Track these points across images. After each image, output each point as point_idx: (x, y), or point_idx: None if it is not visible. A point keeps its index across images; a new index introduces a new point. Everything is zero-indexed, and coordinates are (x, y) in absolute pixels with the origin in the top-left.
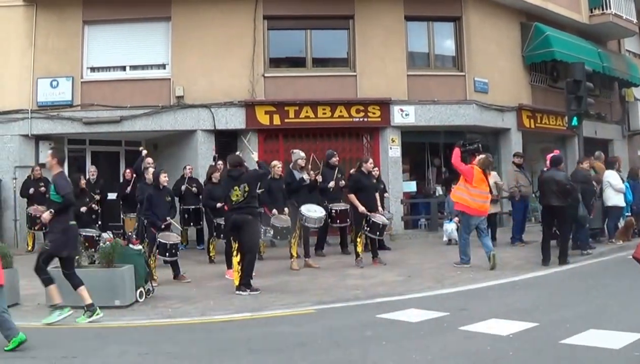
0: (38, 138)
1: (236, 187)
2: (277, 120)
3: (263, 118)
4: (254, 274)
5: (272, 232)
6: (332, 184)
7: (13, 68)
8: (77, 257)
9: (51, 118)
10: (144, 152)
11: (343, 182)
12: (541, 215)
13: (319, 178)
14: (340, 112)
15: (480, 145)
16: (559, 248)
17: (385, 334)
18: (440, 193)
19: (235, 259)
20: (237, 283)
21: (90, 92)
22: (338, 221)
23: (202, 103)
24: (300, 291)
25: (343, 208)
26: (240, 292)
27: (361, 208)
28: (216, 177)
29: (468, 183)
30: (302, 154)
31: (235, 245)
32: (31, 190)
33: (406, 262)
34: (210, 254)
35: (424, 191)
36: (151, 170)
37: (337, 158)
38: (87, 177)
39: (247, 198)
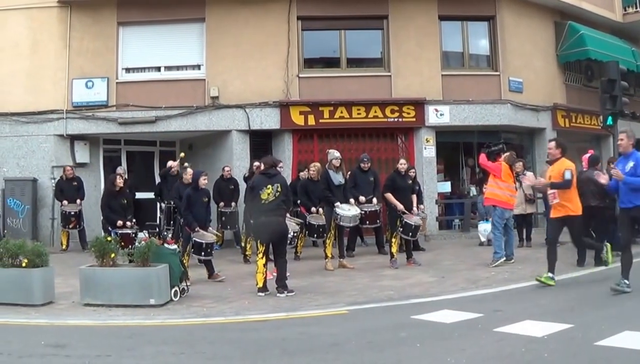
0: (73, 138)
1: (269, 185)
2: (311, 121)
3: (298, 119)
4: (288, 274)
5: (292, 234)
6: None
7: (48, 70)
8: (113, 256)
9: (86, 118)
10: (181, 156)
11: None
12: None
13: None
14: (375, 112)
15: (504, 146)
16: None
17: (419, 335)
18: (474, 193)
19: (260, 261)
20: (260, 284)
21: (125, 92)
22: (368, 222)
23: (237, 103)
24: (334, 292)
25: (373, 209)
26: (278, 294)
27: (400, 206)
28: None
29: (497, 178)
30: (337, 154)
31: (261, 248)
32: (64, 190)
33: (440, 263)
34: (246, 253)
35: (458, 191)
36: (190, 170)
37: (368, 164)
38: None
39: (277, 198)
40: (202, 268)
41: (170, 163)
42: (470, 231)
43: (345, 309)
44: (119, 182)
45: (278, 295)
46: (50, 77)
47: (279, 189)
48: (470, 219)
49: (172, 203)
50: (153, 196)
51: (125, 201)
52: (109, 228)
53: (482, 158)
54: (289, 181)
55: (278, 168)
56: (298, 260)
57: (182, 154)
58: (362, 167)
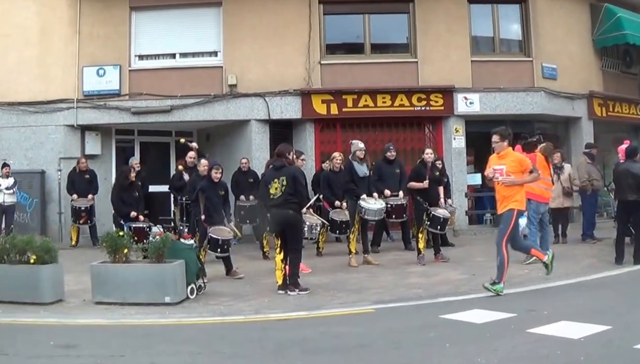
0: (84, 129)
1: (276, 179)
2: (334, 109)
3: (320, 108)
4: (309, 270)
5: (318, 229)
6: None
7: (57, 57)
8: (125, 251)
9: (98, 107)
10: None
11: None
12: (616, 210)
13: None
14: (401, 100)
15: (541, 136)
16: (633, 245)
17: (449, 336)
18: None
19: (279, 257)
20: (280, 282)
21: (138, 80)
22: (394, 216)
23: (256, 92)
24: (358, 290)
25: (399, 202)
26: (289, 292)
27: (422, 185)
28: None
29: None
30: (362, 145)
31: (278, 242)
32: (75, 183)
33: (471, 259)
34: (265, 249)
35: (489, 184)
36: (204, 162)
37: (394, 152)
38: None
39: (284, 193)
40: (219, 264)
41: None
42: None
43: (370, 308)
44: (132, 174)
45: (289, 293)
46: (60, 65)
47: (285, 182)
48: None
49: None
50: (167, 190)
51: (138, 194)
52: (121, 221)
53: (517, 149)
54: (312, 172)
55: (301, 160)
56: (320, 256)
57: (182, 140)
58: (387, 157)
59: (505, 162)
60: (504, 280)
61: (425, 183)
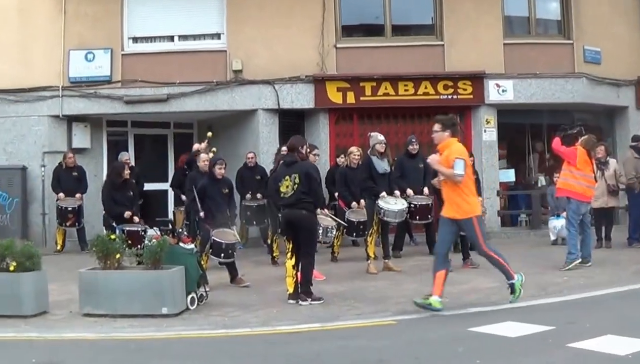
0: (71, 120)
1: (287, 177)
2: (351, 98)
3: (335, 96)
4: (323, 278)
5: (333, 232)
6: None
7: (40, 39)
8: (118, 257)
9: (86, 96)
10: (209, 135)
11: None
12: None
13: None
14: (425, 88)
15: (582, 128)
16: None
17: (479, 351)
18: (544, 183)
19: (289, 262)
20: (290, 290)
21: (132, 66)
22: (417, 217)
23: (264, 78)
24: (378, 299)
25: (424, 202)
26: (300, 302)
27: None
28: None
29: (572, 166)
30: (381, 138)
31: (289, 246)
32: (62, 180)
33: None
34: (274, 254)
35: (524, 181)
36: (204, 156)
37: (416, 145)
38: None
39: (296, 192)
40: (223, 271)
41: (196, 146)
42: (541, 229)
43: (391, 319)
44: (126, 172)
45: (300, 303)
46: (43, 48)
47: (297, 180)
48: (541, 214)
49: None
50: (165, 188)
51: (132, 193)
52: (113, 223)
53: (556, 142)
54: (326, 168)
55: (313, 155)
56: (335, 262)
57: (210, 134)
58: (410, 151)
59: (443, 156)
60: (514, 274)
61: (450, 171)
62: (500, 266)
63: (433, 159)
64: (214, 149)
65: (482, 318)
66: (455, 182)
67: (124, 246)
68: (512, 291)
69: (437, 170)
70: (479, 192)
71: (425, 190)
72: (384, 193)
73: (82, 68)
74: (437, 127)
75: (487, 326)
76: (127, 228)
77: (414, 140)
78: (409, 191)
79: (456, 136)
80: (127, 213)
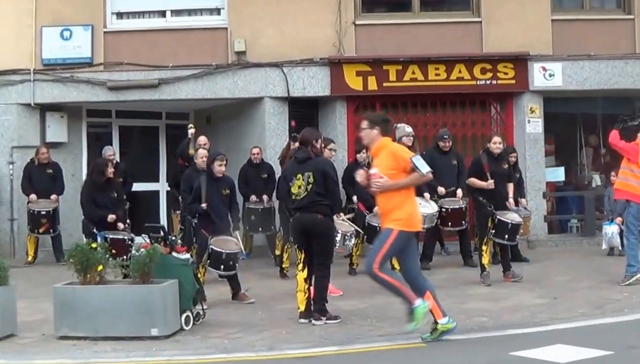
0: (44, 109)
1: (299, 175)
2: (372, 84)
3: (354, 82)
4: (340, 293)
5: (352, 240)
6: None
7: (7, 15)
8: (100, 269)
9: (63, 81)
10: (191, 132)
11: None
12: None
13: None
14: (460, 72)
15: None
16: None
17: None
18: (599, 183)
19: (301, 275)
20: (302, 307)
21: (117, 46)
22: (450, 223)
23: (271, 61)
24: (405, 318)
25: (457, 205)
26: (313, 321)
27: (486, 184)
28: None
29: (632, 163)
30: (409, 130)
31: (301, 256)
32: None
33: (551, 279)
34: (283, 265)
35: (575, 180)
36: (203, 152)
37: (448, 143)
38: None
39: (310, 193)
40: (223, 285)
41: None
42: (595, 236)
43: (421, 341)
44: (110, 170)
45: (313, 322)
46: (11, 25)
47: (311, 179)
48: (595, 219)
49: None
50: (156, 189)
51: (116, 194)
52: (94, 230)
53: (614, 135)
54: (343, 166)
55: (328, 150)
56: (354, 275)
57: (192, 130)
58: (441, 147)
59: (378, 161)
60: (414, 299)
61: (490, 182)
62: (393, 289)
63: (363, 175)
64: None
65: (527, 340)
66: (424, 181)
67: (107, 256)
68: (412, 318)
69: (388, 188)
70: (522, 194)
71: (459, 191)
72: None
73: (58, 48)
74: (364, 124)
75: (533, 350)
76: (111, 236)
77: (446, 136)
78: (441, 190)
79: (388, 134)
80: (111, 217)
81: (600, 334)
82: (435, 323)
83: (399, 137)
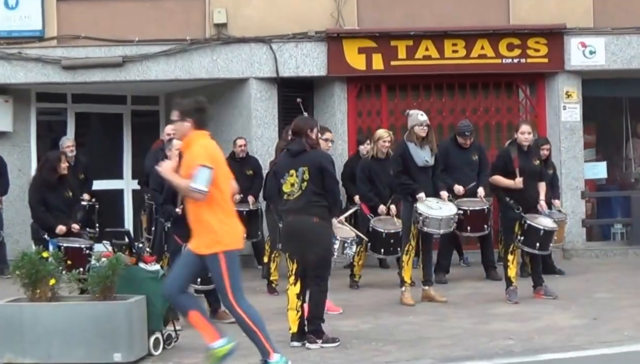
0: None
1: (292, 171)
2: (378, 63)
3: (356, 60)
4: (340, 311)
5: (353, 248)
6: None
7: None
8: (52, 283)
9: (7, 58)
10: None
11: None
12: None
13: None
14: (482, 48)
15: None
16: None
17: None
18: None
19: (293, 290)
20: (294, 328)
21: (73, 16)
22: (469, 227)
23: (257, 35)
24: (415, 341)
25: (479, 207)
26: (308, 344)
27: (517, 183)
28: None
29: None
30: (424, 118)
31: (293, 267)
32: None
33: (590, 295)
34: (272, 278)
35: (619, 178)
36: (178, 143)
37: (470, 140)
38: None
39: (305, 192)
40: (201, 302)
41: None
42: None
43: None
44: (64, 165)
45: (308, 345)
46: None
47: (307, 175)
48: None
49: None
50: (120, 187)
51: (72, 194)
52: (45, 236)
53: None
54: (342, 160)
55: (324, 140)
56: (356, 288)
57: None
58: (460, 143)
59: (185, 158)
60: (270, 350)
61: (519, 181)
62: (250, 332)
63: (165, 167)
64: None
65: None
66: (190, 195)
67: (61, 268)
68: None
69: (170, 179)
70: (557, 194)
71: (480, 190)
72: (422, 194)
73: (1, 19)
74: (174, 115)
75: None
76: (65, 244)
77: (468, 133)
78: (458, 189)
79: (204, 127)
80: (60, 228)
81: None
82: (211, 348)
83: (411, 126)
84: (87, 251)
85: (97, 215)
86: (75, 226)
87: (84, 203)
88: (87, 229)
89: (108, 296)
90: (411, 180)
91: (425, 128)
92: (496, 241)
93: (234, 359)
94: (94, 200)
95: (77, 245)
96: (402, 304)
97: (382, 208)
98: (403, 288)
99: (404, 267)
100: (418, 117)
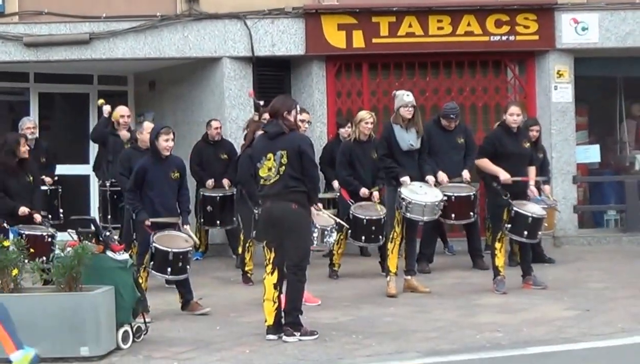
0: None
1: (270, 154)
2: (359, 41)
3: (335, 38)
4: (318, 302)
5: (333, 235)
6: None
7: None
8: (15, 273)
9: None
10: (107, 109)
11: None
12: None
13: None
14: (468, 25)
15: None
16: None
17: None
18: None
19: (269, 280)
20: (270, 320)
21: None
22: (454, 215)
23: (231, 11)
24: (398, 333)
25: (465, 193)
26: (285, 337)
27: (504, 176)
28: None
29: None
30: (410, 98)
31: (270, 256)
32: None
33: (582, 285)
34: (247, 268)
35: (613, 162)
36: (147, 125)
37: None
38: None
39: (283, 176)
40: (171, 293)
41: (105, 109)
42: (637, 231)
43: (418, 362)
44: (24, 149)
45: (285, 338)
46: None
47: (285, 159)
48: (639, 210)
49: (107, 184)
50: (87, 172)
51: (32, 178)
52: (5, 224)
53: None
54: (321, 143)
55: (301, 122)
56: (336, 279)
57: (101, 101)
58: (444, 126)
59: None
60: (15, 347)
61: (508, 178)
62: None
63: None
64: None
65: (553, 361)
66: None
67: (23, 257)
68: None
69: None
70: (546, 179)
71: (465, 174)
72: (406, 178)
73: None
74: None
75: None
76: (27, 232)
77: (453, 116)
78: (442, 178)
79: None
80: (23, 210)
81: None
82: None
83: (397, 107)
84: (50, 239)
85: (60, 201)
86: (37, 217)
87: (44, 187)
88: (49, 216)
89: (74, 287)
90: (396, 165)
91: (410, 109)
92: (483, 228)
93: (207, 353)
94: (56, 184)
95: (39, 233)
96: (387, 295)
97: (363, 190)
98: (388, 278)
99: (389, 255)
100: (404, 97)
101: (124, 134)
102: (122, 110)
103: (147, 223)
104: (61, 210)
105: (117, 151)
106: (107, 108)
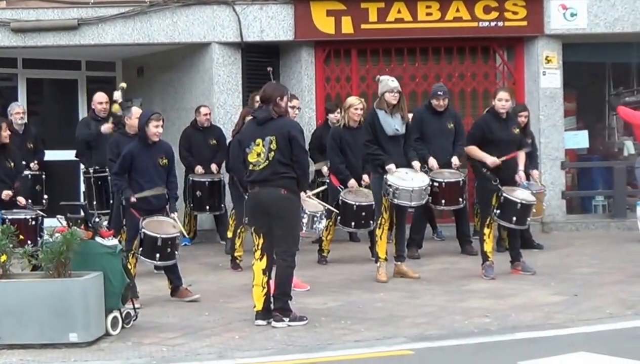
0: None
1: (259, 140)
2: (347, 26)
3: (323, 23)
4: (307, 288)
5: (323, 221)
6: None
7: None
8: (3, 260)
9: None
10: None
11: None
12: None
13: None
14: (457, 11)
15: None
16: None
17: None
18: (632, 151)
19: (258, 265)
20: (259, 306)
21: None
22: (444, 200)
23: None
24: (387, 319)
25: (454, 179)
26: (274, 322)
27: (491, 159)
28: None
29: None
30: (394, 84)
31: (258, 242)
32: None
33: (570, 271)
34: (236, 254)
35: (601, 148)
36: (136, 110)
37: (444, 101)
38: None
39: (272, 162)
40: (160, 279)
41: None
42: (627, 217)
43: (406, 347)
44: (5, 134)
45: (274, 324)
46: None
47: (274, 145)
48: (627, 196)
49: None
50: (73, 158)
51: (13, 164)
52: None
53: (624, 110)
54: (310, 129)
55: (291, 108)
56: (325, 264)
57: (123, 85)
58: (434, 106)
59: None
60: None
61: (495, 161)
62: None
63: None
64: (130, 104)
65: (540, 346)
66: None
67: (10, 243)
68: None
69: None
70: (535, 164)
71: (455, 160)
72: (392, 166)
73: None
74: None
75: (548, 359)
76: (11, 216)
77: (441, 93)
78: (432, 164)
79: None
80: (6, 193)
81: (631, 339)
82: None
83: (381, 92)
84: (33, 223)
85: (44, 186)
86: (22, 199)
87: (26, 172)
88: (29, 201)
89: (63, 273)
90: (381, 151)
91: (396, 95)
92: (472, 214)
93: (194, 339)
94: (39, 170)
95: (23, 217)
96: (376, 280)
97: (352, 182)
98: (378, 264)
99: (378, 242)
100: (389, 83)
101: (107, 127)
102: (99, 97)
103: (133, 199)
104: (45, 196)
105: (100, 138)
106: (117, 94)
